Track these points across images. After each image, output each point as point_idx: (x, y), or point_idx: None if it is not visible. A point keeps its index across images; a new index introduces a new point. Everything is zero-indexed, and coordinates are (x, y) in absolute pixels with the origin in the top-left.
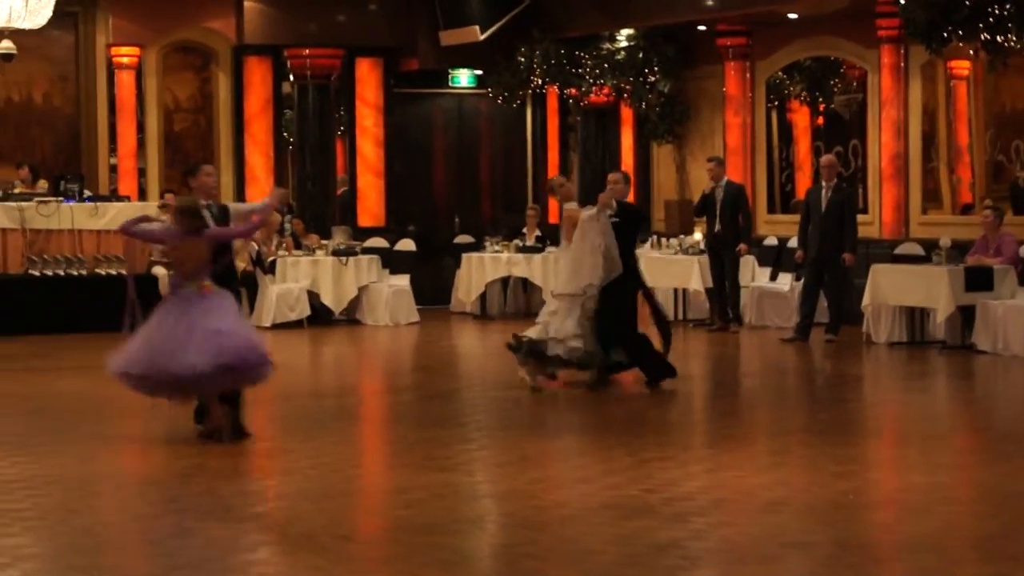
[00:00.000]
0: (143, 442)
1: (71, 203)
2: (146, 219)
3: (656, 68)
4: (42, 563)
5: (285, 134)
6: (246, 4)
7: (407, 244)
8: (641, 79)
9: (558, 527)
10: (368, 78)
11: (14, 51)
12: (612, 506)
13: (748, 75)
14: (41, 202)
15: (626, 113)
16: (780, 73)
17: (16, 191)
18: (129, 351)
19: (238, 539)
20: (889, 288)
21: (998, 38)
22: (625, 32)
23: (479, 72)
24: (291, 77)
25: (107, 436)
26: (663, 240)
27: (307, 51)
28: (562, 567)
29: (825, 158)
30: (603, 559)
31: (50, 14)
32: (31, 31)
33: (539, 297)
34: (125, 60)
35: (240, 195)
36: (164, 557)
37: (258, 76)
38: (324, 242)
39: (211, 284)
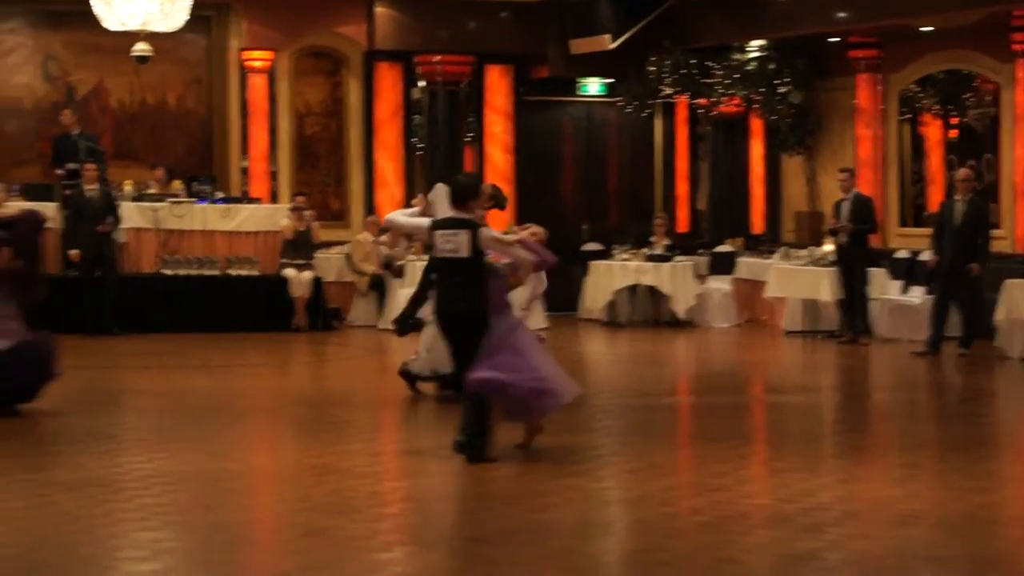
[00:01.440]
0: (273, 440)
1: (203, 204)
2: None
3: (787, 79)
4: (180, 558)
5: (414, 139)
6: (377, 10)
7: None
8: (771, 90)
9: (692, 534)
10: (498, 85)
11: (150, 53)
12: (747, 515)
13: (880, 87)
14: (174, 203)
15: (756, 124)
16: (913, 85)
17: (150, 192)
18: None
19: (370, 539)
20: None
21: None
22: (756, 43)
23: (609, 81)
24: (421, 83)
25: (238, 433)
26: (793, 251)
27: (437, 57)
28: (696, 575)
29: (961, 171)
30: (738, 568)
31: (186, 17)
32: (166, 34)
33: (668, 306)
34: (257, 64)
35: (369, 200)
36: (297, 555)
37: (388, 82)
38: None
39: None
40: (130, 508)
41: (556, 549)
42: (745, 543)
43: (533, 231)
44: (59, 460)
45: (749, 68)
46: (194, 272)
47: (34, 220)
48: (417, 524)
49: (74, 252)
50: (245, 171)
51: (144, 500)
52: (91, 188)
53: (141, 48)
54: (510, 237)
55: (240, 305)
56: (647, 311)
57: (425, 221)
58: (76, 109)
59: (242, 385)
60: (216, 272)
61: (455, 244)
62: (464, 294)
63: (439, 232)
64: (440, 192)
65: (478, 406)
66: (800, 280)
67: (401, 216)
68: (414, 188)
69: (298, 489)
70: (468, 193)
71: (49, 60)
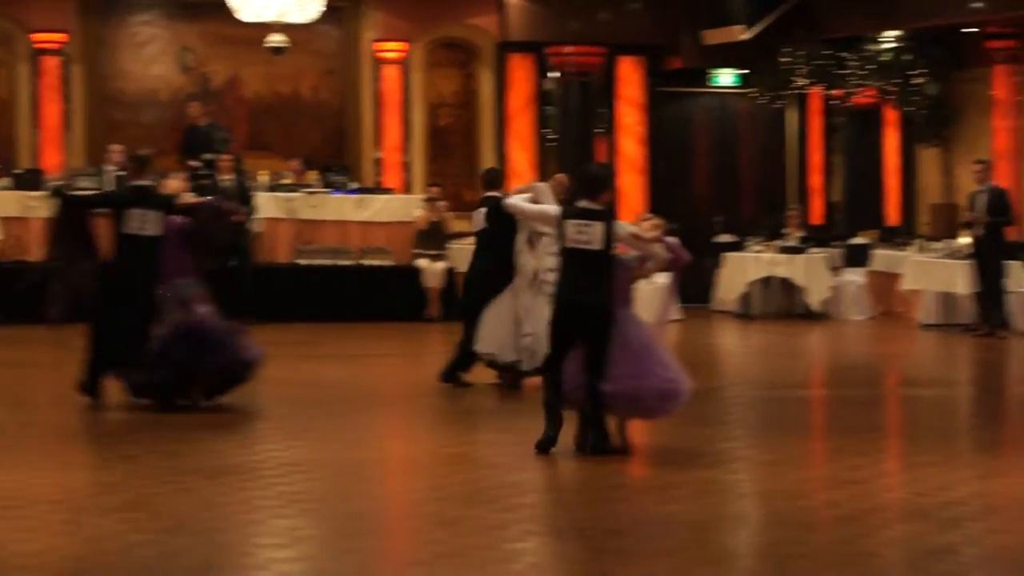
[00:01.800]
0: (407, 429)
1: (338, 195)
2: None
3: (922, 70)
4: (316, 546)
5: (546, 131)
6: (510, 1)
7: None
8: (906, 81)
9: (829, 528)
10: (630, 76)
11: (286, 45)
12: (884, 508)
13: (1017, 78)
14: (309, 193)
15: (890, 115)
16: None
17: (285, 182)
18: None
19: (504, 528)
20: None
21: None
22: (891, 33)
23: (742, 72)
24: (553, 74)
25: (372, 422)
26: (928, 244)
27: (569, 49)
28: (833, 569)
29: None
30: (877, 562)
31: (321, 8)
32: (299, 25)
33: (801, 298)
34: (390, 55)
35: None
36: (432, 544)
37: (520, 73)
38: None
39: None
40: (267, 496)
41: (689, 541)
42: (882, 537)
43: (655, 223)
44: (197, 447)
45: (884, 59)
46: (328, 262)
47: (216, 209)
48: (550, 514)
49: None
50: (378, 162)
51: (281, 488)
52: (226, 178)
53: (276, 39)
54: (649, 234)
55: (373, 295)
56: (780, 303)
57: (552, 208)
58: (211, 100)
59: (376, 374)
60: (350, 262)
61: (588, 235)
62: (591, 286)
63: (571, 222)
64: (542, 191)
65: (598, 410)
66: (936, 273)
67: (524, 203)
68: (546, 179)
69: (432, 478)
70: (600, 184)
71: (185, 51)
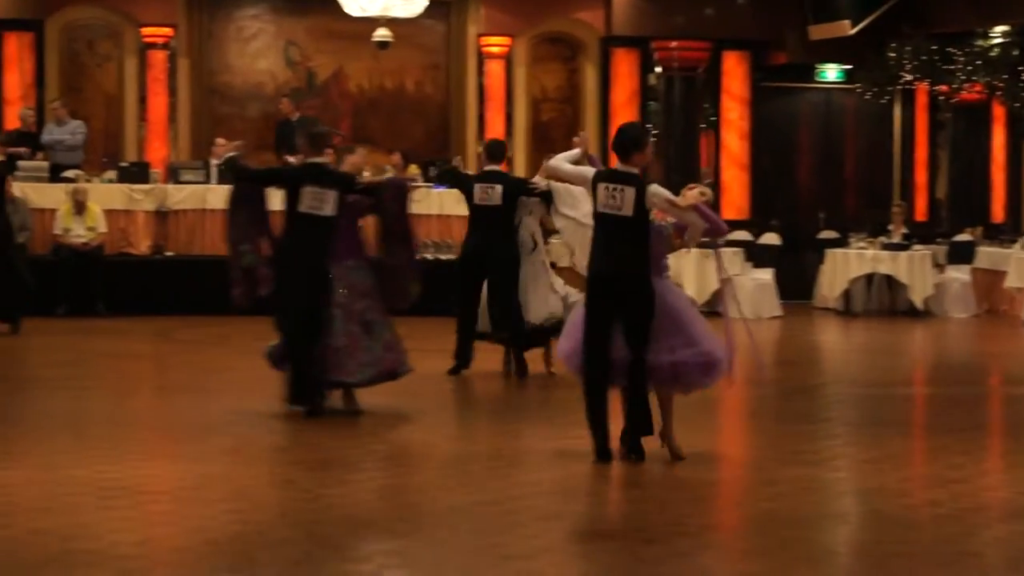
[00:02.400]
0: (508, 422)
1: (440, 189)
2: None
3: None
4: (416, 539)
5: (649, 126)
6: None
7: (771, 238)
8: (1015, 77)
9: (931, 527)
10: (735, 71)
11: (391, 39)
12: (986, 507)
13: None
14: (412, 187)
15: (998, 111)
16: None
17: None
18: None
19: (599, 524)
20: None
21: None
22: (1000, 28)
23: (847, 67)
24: (657, 69)
25: (473, 416)
26: None
27: (674, 43)
28: (934, 568)
29: None
30: (979, 562)
31: (426, 3)
32: (406, 20)
33: (905, 295)
34: (495, 49)
35: None
36: (531, 539)
37: (625, 68)
38: None
39: None
40: (368, 488)
41: (790, 539)
42: (985, 537)
43: (701, 190)
44: (299, 440)
45: (992, 54)
46: (430, 256)
47: (400, 187)
48: (646, 511)
49: None
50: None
51: (382, 480)
52: None
53: (382, 34)
54: (683, 200)
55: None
56: (883, 300)
57: (588, 170)
58: (315, 94)
59: (479, 366)
60: (452, 256)
61: (619, 200)
62: (624, 256)
63: (602, 184)
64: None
65: (643, 398)
66: None
67: (565, 163)
68: (649, 174)
69: (533, 472)
70: (631, 144)
71: (290, 46)
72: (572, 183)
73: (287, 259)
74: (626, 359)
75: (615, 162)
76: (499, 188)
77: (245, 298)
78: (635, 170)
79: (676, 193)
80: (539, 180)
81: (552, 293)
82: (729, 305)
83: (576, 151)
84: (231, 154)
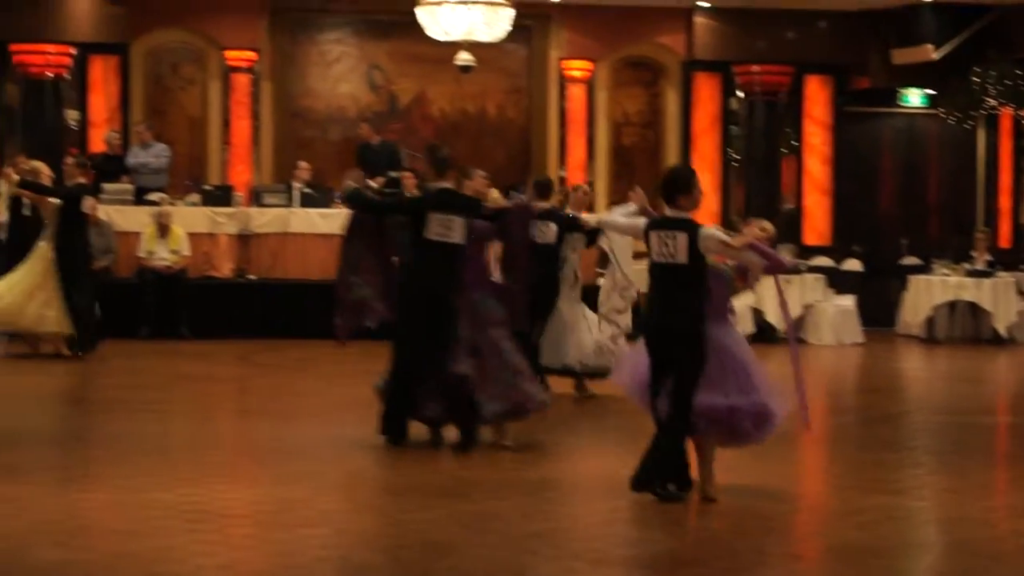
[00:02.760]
0: (593, 447)
1: None
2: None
3: None
4: (496, 564)
5: (730, 150)
6: (696, 20)
7: (853, 264)
8: None
9: (1015, 558)
10: (817, 95)
11: (473, 63)
12: None
13: None
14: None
15: None
16: None
17: None
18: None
19: (679, 553)
20: None
21: None
22: None
23: (931, 92)
24: (739, 93)
25: (558, 440)
26: None
27: (756, 68)
28: None
29: None
30: None
31: (508, 27)
32: (488, 44)
33: (988, 323)
34: (577, 73)
35: None
36: (613, 567)
37: (706, 92)
38: None
39: None
40: (451, 513)
41: (876, 568)
42: None
43: (763, 226)
44: (380, 464)
45: None
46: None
47: (525, 212)
48: (729, 540)
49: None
50: (563, 180)
51: (465, 506)
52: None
53: (465, 58)
54: (738, 240)
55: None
56: (967, 328)
57: (641, 221)
58: (398, 118)
59: (564, 390)
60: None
61: (672, 247)
62: (675, 307)
63: (654, 233)
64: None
65: (678, 441)
66: None
67: (620, 217)
68: (730, 200)
69: (614, 499)
70: (674, 188)
71: (373, 69)
72: (627, 234)
73: (413, 287)
74: (698, 404)
75: (665, 209)
76: (553, 227)
77: (348, 330)
78: (685, 215)
79: (739, 228)
80: (590, 218)
81: (588, 333)
82: (794, 344)
83: (632, 206)
84: (353, 185)
